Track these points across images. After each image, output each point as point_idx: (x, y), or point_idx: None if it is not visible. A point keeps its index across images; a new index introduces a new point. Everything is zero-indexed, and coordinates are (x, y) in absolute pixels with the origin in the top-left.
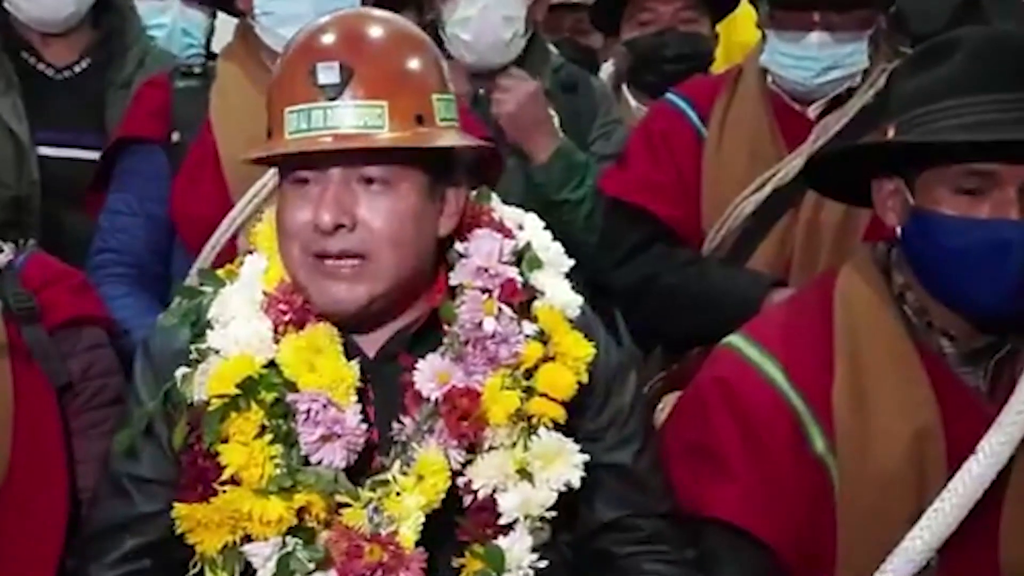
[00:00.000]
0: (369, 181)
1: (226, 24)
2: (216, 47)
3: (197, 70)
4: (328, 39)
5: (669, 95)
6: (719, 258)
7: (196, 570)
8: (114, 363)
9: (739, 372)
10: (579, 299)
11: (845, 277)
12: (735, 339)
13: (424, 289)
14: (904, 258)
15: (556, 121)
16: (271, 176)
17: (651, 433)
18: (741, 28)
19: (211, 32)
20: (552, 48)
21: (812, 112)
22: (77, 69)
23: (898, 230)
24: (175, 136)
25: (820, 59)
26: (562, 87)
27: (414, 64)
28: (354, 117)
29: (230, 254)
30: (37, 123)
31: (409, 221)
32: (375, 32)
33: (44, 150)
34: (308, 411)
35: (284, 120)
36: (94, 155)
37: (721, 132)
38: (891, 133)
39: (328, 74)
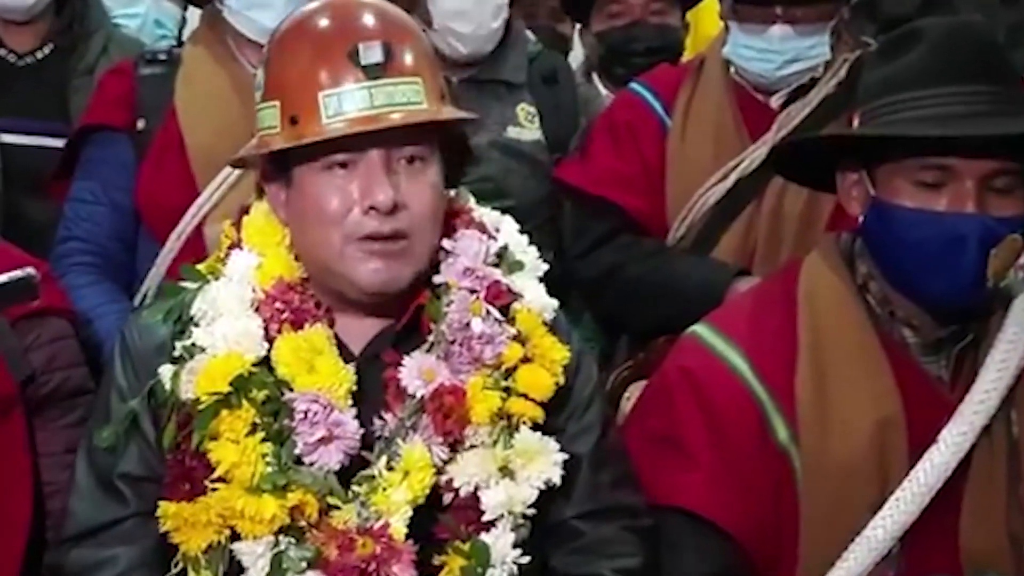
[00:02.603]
0: (410, 160)
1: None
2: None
3: (162, 57)
4: (352, 20)
5: (633, 85)
6: (683, 248)
7: (177, 570)
8: (78, 355)
9: (704, 362)
10: (554, 303)
11: (809, 267)
12: (700, 329)
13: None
14: (866, 248)
15: (536, 115)
16: None
17: (609, 424)
18: (707, 20)
19: (183, 24)
20: (530, 35)
21: (775, 102)
22: (40, 56)
23: (860, 220)
24: (140, 124)
25: (782, 52)
26: (542, 79)
27: (426, 44)
28: (400, 94)
29: (196, 243)
30: None
31: (437, 198)
32: (390, 13)
33: (6, 137)
34: (307, 412)
35: (319, 104)
36: (57, 143)
37: (685, 122)
38: (855, 123)
39: (371, 54)
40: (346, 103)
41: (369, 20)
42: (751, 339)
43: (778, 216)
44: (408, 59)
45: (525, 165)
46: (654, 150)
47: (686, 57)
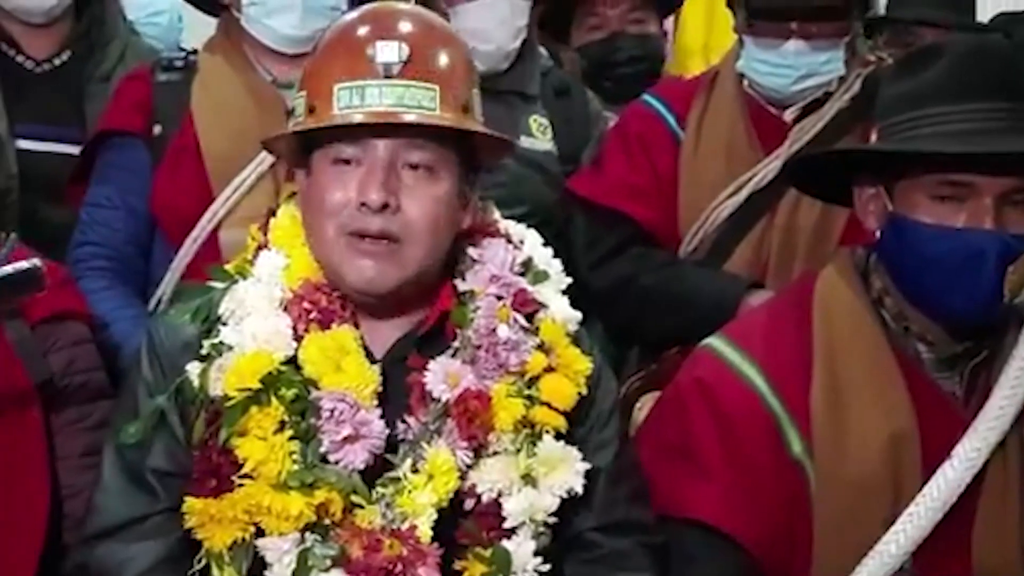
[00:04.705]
0: (414, 167)
1: (197, 16)
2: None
3: (179, 63)
4: (384, 21)
5: (646, 96)
6: (696, 261)
7: (201, 567)
8: (96, 358)
9: (718, 374)
10: (578, 315)
11: (824, 281)
12: (714, 341)
13: (433, 288)
14: (882, 263)
15: (548, 126)
16: (253, 170)
17: (625, 438)
18: (720, 31)
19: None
20: (542, 51)
21: (788, 116)
22: (57, 62)
23: (877, 235)
24: (156, 129)
25: (797, 67)
26: (555, 92)
27: (462, 57)
28: (409, 96)
29: (211, 248)
30: (16, 116)
31: (444, 208)
32: (425, 21)
33: (23, 143)
34: (333, 410)
35: (333, 95)
36: (74, 149)
37: (698, 135)
38: (874, 138)
39: (387, 52)
40: (357, 97)
41: (396, 22)
42: (766, 352)
43: (791, 229)
44: (430, 64)
45: (537, 174)
46: (666, 162)
47: (695, 70)
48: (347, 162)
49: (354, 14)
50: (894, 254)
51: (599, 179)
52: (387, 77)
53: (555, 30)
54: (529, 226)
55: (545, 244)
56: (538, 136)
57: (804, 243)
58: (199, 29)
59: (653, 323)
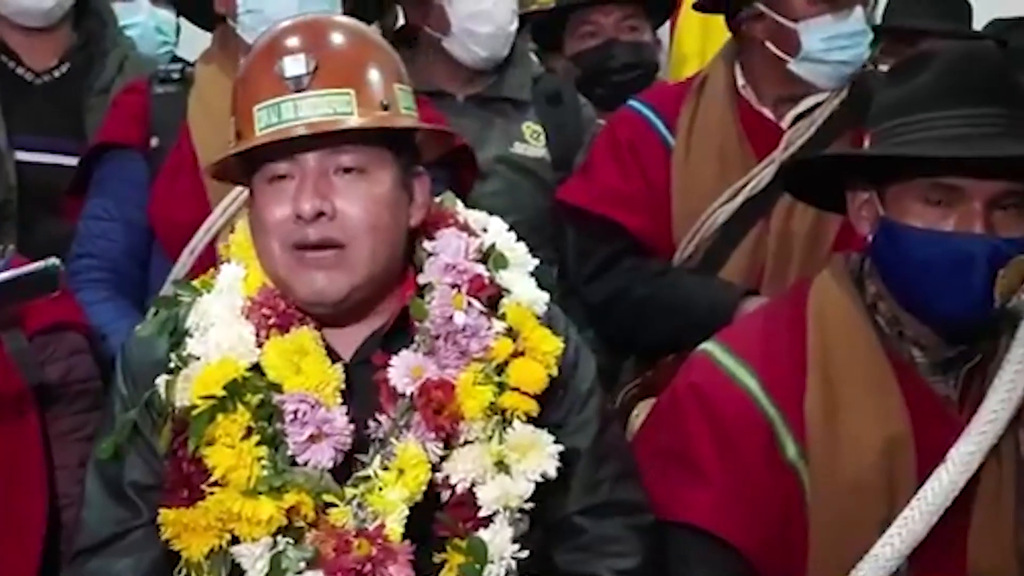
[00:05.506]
0: (346, 171)
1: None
2: (182, 48)
3: (175, 76)
4: (290, 37)
5: (633, 103)
6: (691, 267)
7: None
8: (93, 369)
9: (714, 379)
10: (545, 295)
11: (819, 286)
12: (710, 346)
13: (395, 287)
14: (875, 268)
15: (541, 132)
16: None
17: (609, 419)
18: (716, 37)
19: (177, 31)
20: (533, 58)
21: (785, 121)
22: (56, 74)
23: (869, 239)
24: (154, 141)
25: (865, 32)
26: (546, 98)
27: (376, 55)
28: (324, 105)
29: (209, 259)
30: (15, 128)
31: (384, 207)
32: (336, 28)
33: (21, 155)
34: (296, 412)
35: (254, 118)
36: (72, 161)
37: (688, 141)
38: (867, 144)
39: (294, 66)
40: (274, 115)
41: (302, 36)
42: (761, 357)
43: (786, 235)
44: (341, 70)
45: (531, 181)
46: (657, 169)
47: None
48: (282, 178)
49: (272, 30)
50: (886, 259)
51: (589, 187)
52: (299, 91)
53: (548, 39)
54: (520, 236)
55: (538, 249)
56: (531, 142)
57: (799, 248)
58: (200, 41)
59: (649, 333)
